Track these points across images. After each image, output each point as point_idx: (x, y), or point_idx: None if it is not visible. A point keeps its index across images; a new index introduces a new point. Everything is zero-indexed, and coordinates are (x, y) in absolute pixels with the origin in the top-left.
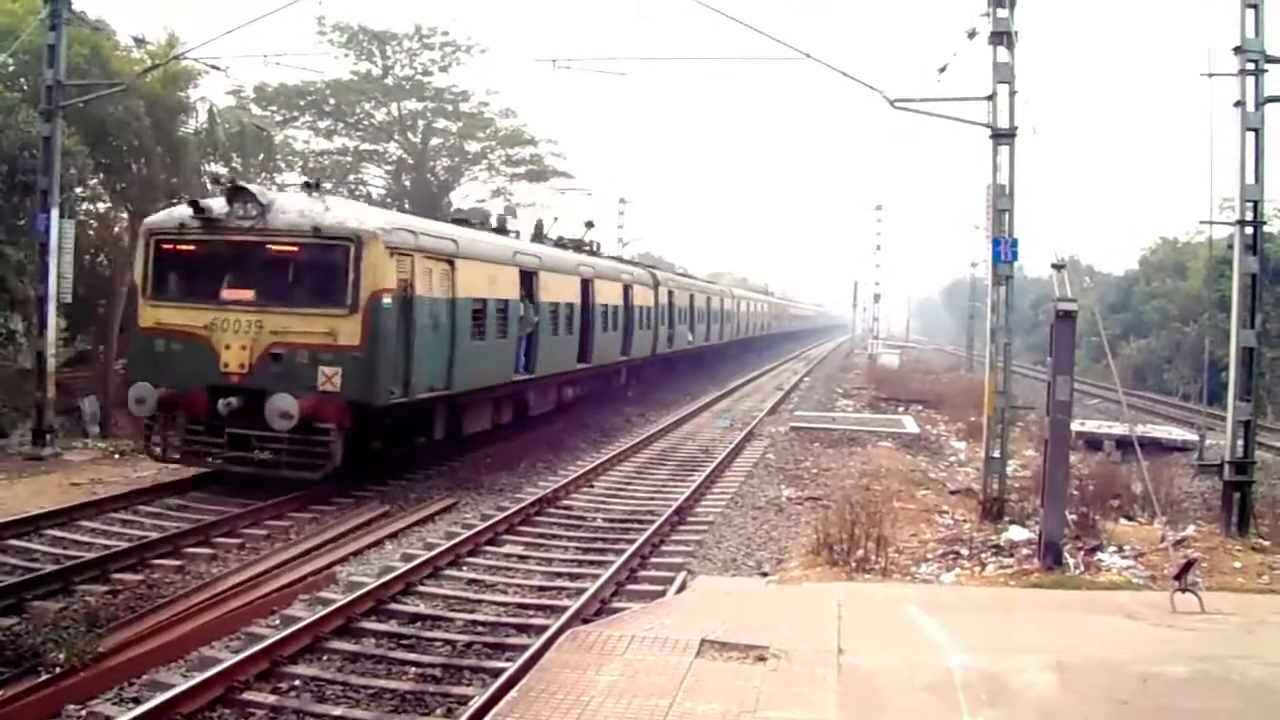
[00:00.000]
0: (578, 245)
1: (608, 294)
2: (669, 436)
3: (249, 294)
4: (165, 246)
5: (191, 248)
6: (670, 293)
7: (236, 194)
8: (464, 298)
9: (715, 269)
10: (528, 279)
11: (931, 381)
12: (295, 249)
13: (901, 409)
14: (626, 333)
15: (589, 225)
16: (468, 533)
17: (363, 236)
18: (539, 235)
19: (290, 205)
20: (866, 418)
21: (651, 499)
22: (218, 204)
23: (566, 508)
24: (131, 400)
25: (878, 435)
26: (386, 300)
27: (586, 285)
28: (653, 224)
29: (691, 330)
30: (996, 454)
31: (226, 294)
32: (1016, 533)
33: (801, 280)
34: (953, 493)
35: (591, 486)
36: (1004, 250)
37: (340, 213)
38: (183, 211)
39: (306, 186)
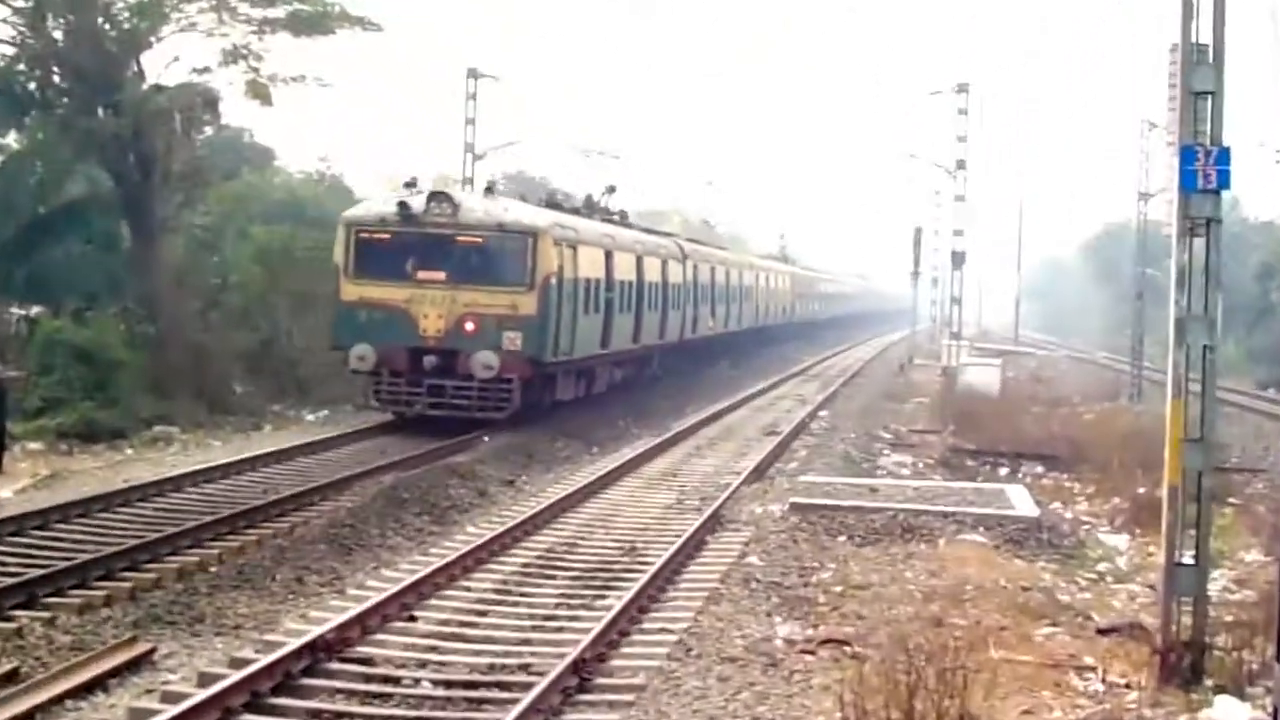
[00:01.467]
0: (605, 213)
1: (651, 270)
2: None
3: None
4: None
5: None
6: (696, 267)
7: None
8: (582, 278)
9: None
10: (609, 259)
11: (1063, 419)
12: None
13: (1005, 469)
14: (663, 314)
15: (611, 190)
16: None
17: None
18: (591, 207)
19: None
20: (937, 487)
21: (548, 637)
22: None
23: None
24: (354, 358)
25: (959, 521)
26: (553, 281)
27: (639, 261)
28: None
29: (713, 313)
30: (1189, 558)
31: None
32: (1229, 710)
33: (837, 248)
34: (1103, 631)
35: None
36: (1202, 169)
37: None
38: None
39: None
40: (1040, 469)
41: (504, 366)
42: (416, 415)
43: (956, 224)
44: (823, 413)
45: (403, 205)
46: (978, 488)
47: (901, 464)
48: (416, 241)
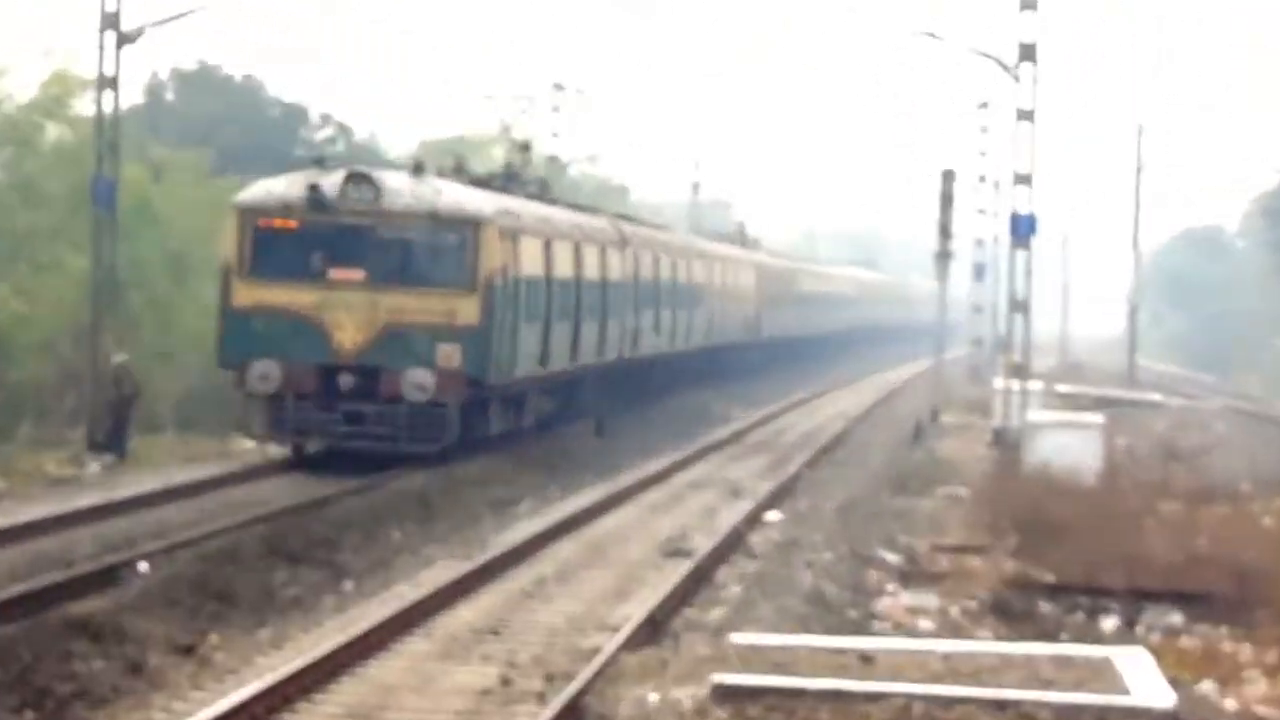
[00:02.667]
0: (526, 186)
1: (589, 262)
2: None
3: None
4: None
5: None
6: (638, 257)
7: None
8: (524, 276)
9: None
10: (548, 250)
11: (1221, 527)
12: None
13: (1112, 620)
14: (602, 324)
15: (525, 149)
16: None
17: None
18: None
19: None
20: (985, 654)
21: None
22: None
23: None
24: (254, 377)
25: None
26: (498, 282)
27: (578, 251)
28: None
29: (656, 324)
30: None
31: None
32: None
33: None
34: None
35: None
36: None
37: None
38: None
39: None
40: (1178, 618)
41: (440, 387)
42: (323, 449)
43: (1019, 162)
44: (773, 514)
45: (313, 188)
46: (1061, 654)
47: (920, 609)
48: (329, 233)
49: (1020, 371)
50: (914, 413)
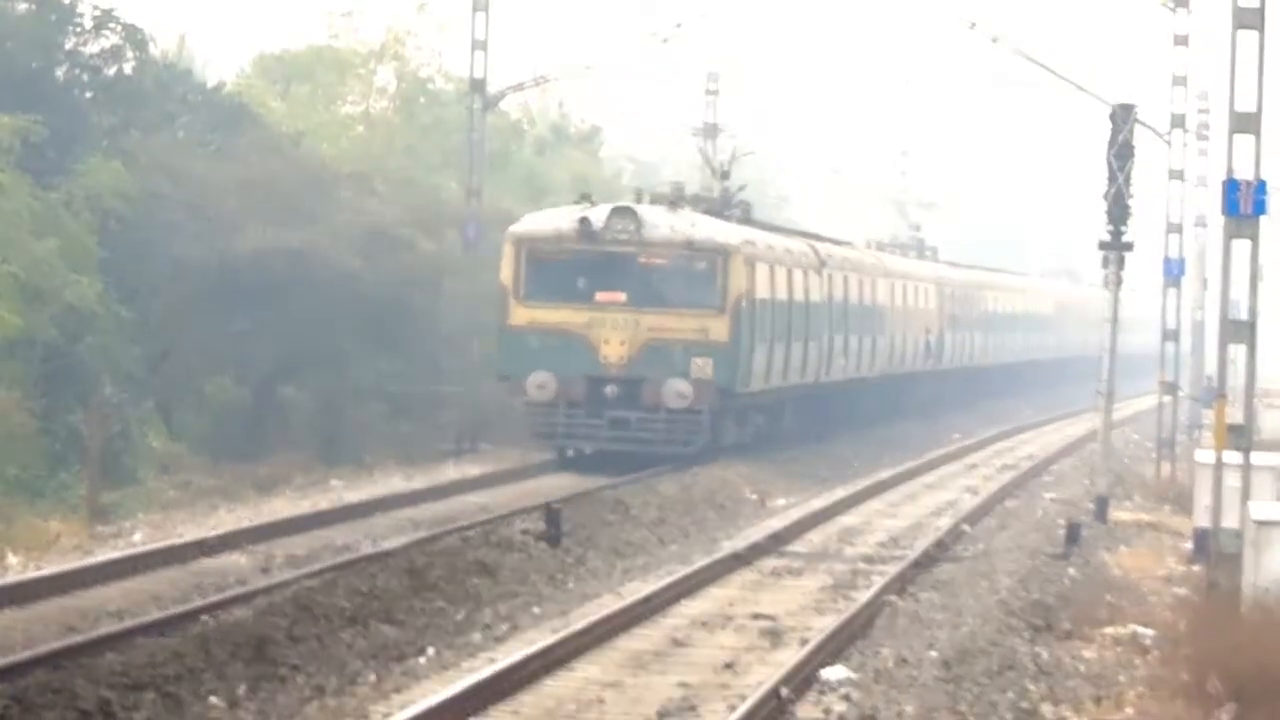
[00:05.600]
0: (741, 211)
1: (796, 285)
2: None
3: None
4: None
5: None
6: (831, 279)
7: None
8: (760, 298)
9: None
10: (772, 274)
11: None
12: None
13: None
14: (805, 344)
15: (725, 176)
16: None
17: None
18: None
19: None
20: None
21: None
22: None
23: None
24: (532, 386)
25: None
26: (744, 303)
27: (790, 276)
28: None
29: (846, 347)
30: None
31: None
32: None
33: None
34: None
35: None
36: None
37: None
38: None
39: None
40: None
41: (696, 396)
42: (589, 452)
43: (1239, 94)
44: (836, 671)
45: (584, 221)
46: None
47: None
48: (596, 261)
49: (1241, 437)
50: (1072, 501)
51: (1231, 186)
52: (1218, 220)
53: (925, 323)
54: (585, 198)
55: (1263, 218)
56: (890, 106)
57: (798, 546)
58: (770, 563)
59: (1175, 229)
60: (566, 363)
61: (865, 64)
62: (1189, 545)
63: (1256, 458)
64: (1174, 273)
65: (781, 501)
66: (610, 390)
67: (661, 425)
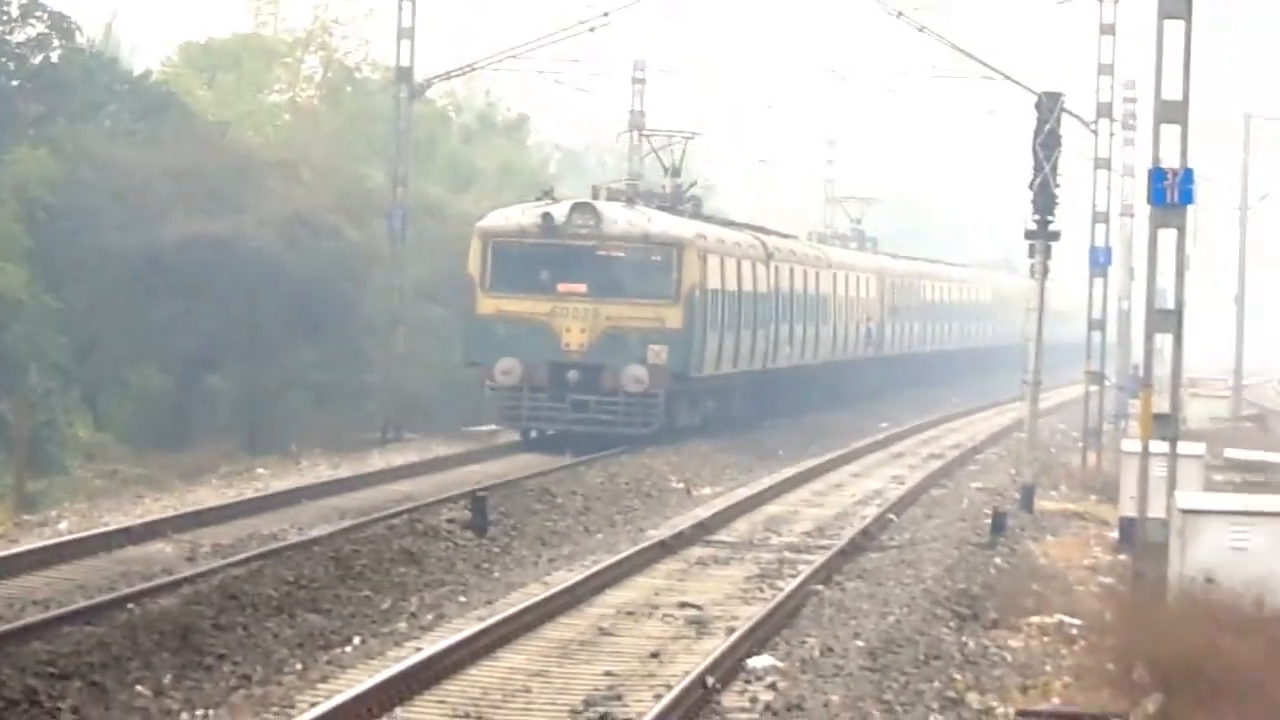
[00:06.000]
0: (693, 206)
1: (745, 276)
2: None
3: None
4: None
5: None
6: (777, 270)
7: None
8: (710, 289)
9: None
10: (723, 265)
11: None
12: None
13: None
14: (754, 332)
15: (676, 174)
16: None
17: None
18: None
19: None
20: None
21: None
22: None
23: None
24: (499, 372)
25: None
26: (697, 293)
27: (739, 267)
28: None
29: (790, 336)
30: None
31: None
32: None
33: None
34: None
35: None
36: None
37: None
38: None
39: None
40: None
41: (652, 380)
42: (552, 433)
43: (1164, 82)
44: (762, 659)
45: (546, 216)
46: None
47: None
48: (558, 253)
49: (1167, 427)
50: (998, 490)
51: (1158, 175)
52: (1144, 210)
53: (866, 312)
54: (547, 194)
55: (1189, 207)
56: (818, 95)
57: (724, 535)
58: (696, 552)
59: (1101, 218)
60: (531, 349)
61: (792, 52)
62: (1115, 534)
63: (1182, 447)
64: (1100, 262)
65: (708, 490)
66: (572, 375)
67: (620, 408)
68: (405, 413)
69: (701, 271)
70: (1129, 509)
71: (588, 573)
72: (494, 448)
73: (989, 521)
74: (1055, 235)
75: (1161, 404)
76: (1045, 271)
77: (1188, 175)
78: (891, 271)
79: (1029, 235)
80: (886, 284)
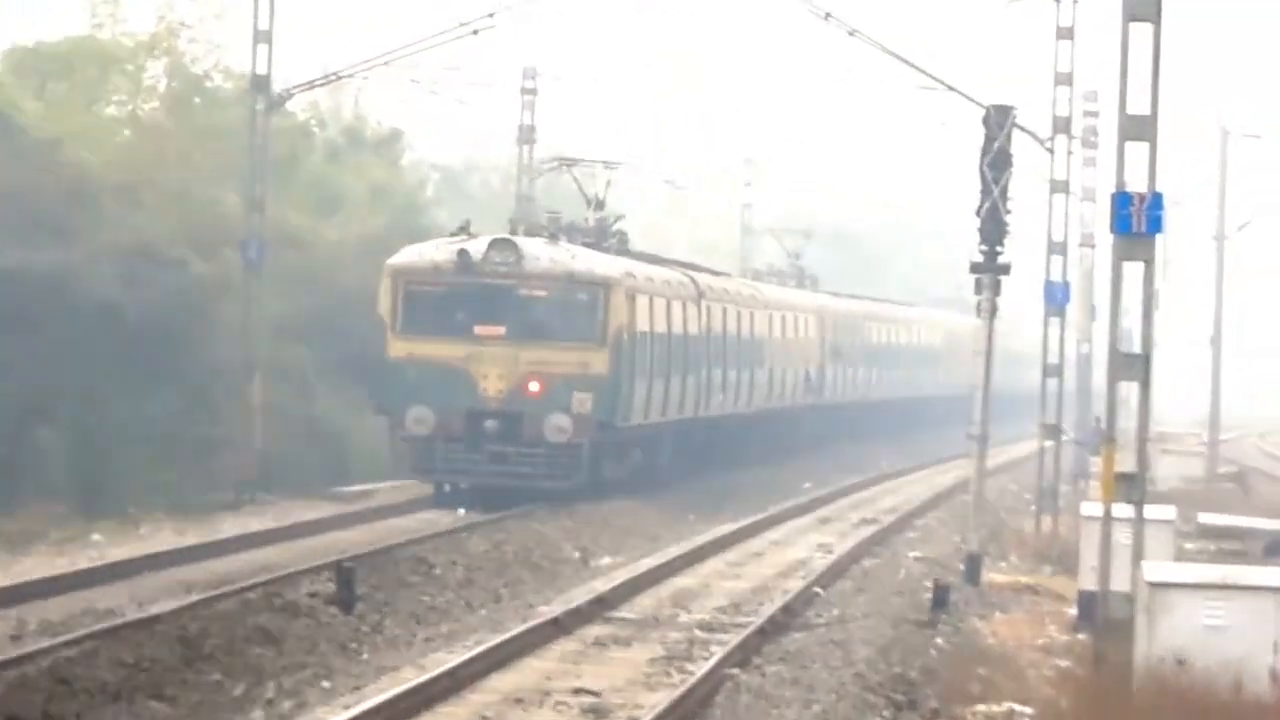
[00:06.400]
0: (619, 241)
1: (675, 316)
2: None
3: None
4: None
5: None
6: (709, 310)
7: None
8: (640, 331)
9: None
10: (652, 305)
11: None
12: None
13: None
14: (683, 378)
15: (600, 206)
16: None
17: None
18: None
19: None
20: None
21: None
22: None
23: None
24: (410, 420)
25: None
26: (624, 336)
27: (669, 307)
28: None
29: (724, 382)
30: None
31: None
32: None
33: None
34: None
35: None
36: None
37: None
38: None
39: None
40: None
41: (575, 430)
42: (467, 487)
43: (1129, 95)
44: None
45: (463, 253)
46: None
47: None
48: (475, 293)
49: (1133, 488)
50: (939, 560)
51: (1122, 200)
52: (1107, 239)
53: (805, 355)
54: (463, 229)
55: (1158, 236)
56: (735, 108)
57: (626, 612)
58: (594, 630)
59: (1058, 249)
60: (445, 396)
61: (705, 63)
62: (1073, 611)
63: (1150, 510)
64: (1057, 299)
65: (607, 560)
66: (490, 424)
67: (541, 460)
68: (263, 471)
69: (629, 313)
70: (1089, 582)
71: (470, 654)
72: (364, 511)
73: (929, 596)
74: (1005, 268)
75: (1126, 461)
76: (994, 310)
77: (1156, 200)
78: (833, 311)
79: (975, 268)
80: (827, 325)
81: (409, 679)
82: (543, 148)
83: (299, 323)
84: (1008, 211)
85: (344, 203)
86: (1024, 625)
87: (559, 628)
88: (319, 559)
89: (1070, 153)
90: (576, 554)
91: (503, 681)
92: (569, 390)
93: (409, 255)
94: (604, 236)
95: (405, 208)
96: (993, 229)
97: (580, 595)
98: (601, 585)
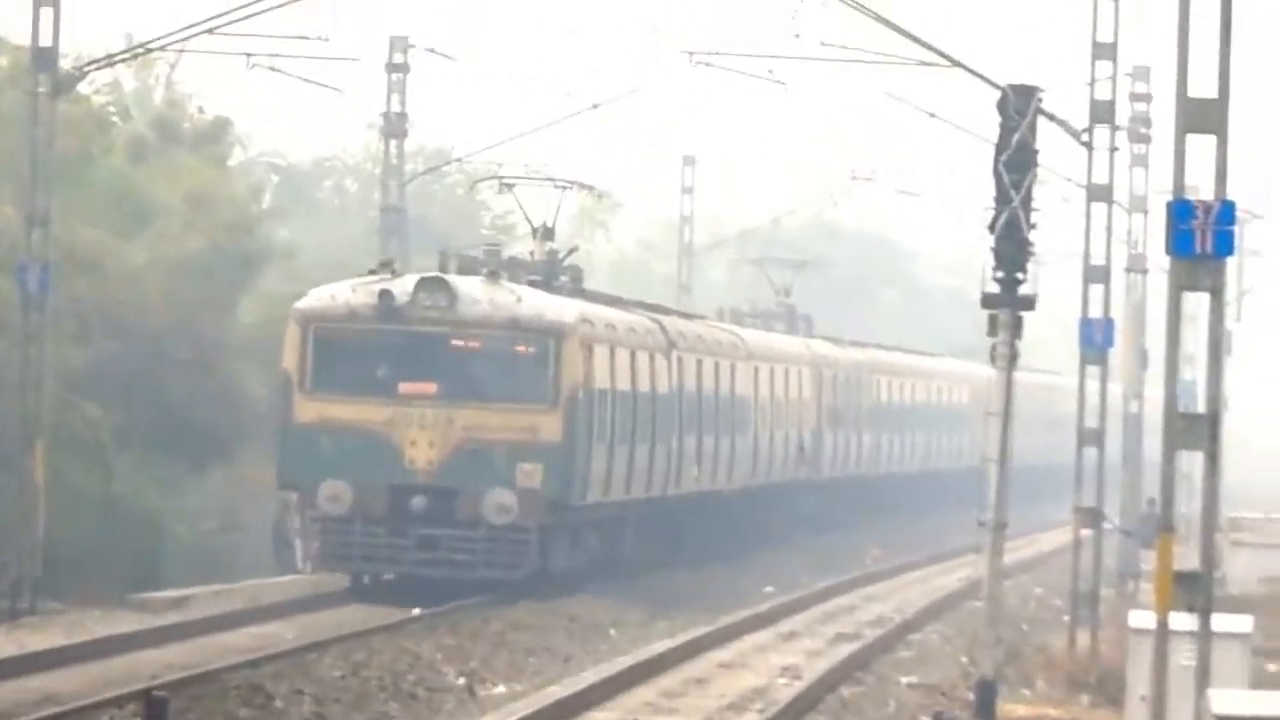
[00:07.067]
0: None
1: (641, 372)
2: None
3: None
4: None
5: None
6: (682, 362)
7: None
8: (598, 389)
9: None
10: (612, 358)
11: None
12: None
13: None
14: (651, 448)
15: (548, 235)
16: None
17: None
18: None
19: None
20: None
21: None
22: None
23: None
24: (323, 498)
25: None
26: (580, 395)
27: (633, 360)
28: None
29: (699, 453)
30: None
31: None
32: None
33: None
34: None
35: None
36: None
37: None
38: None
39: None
40: None
41: (522, 510)
42: (390, 577)
43: (1190, 80)
44: None
45: (385, 295)
46: None
47: None
48: (400, 343)
49: (1197, 592)
50: (941, 688)
51: (1182, 211)
52: (1162, 262)
53: (798, 418)
54: (386, 265)
55: (1229, 259)
56: (672, 92)
57: None
58: None
59: (1098, 276)
60: (365, 469)
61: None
62: None
63: (1219, 622)
64: (1096, 342)
65: (501, 689)
66: (418, 502)
67: (481, 545)
68: (48, 570)
69: (586, 367)
70: (1140, 716)
71: None
72: (182, 624)
73: None
74: (1029, 302)
75: (1188, 557)
76: (1013, 356)
77: (1227, 211)
78: (832, 362)
79: (988, 302)
80: (825, 379)
81: None
82: (415, 141)
83: (95, 374)
84: (1032, 226)
85: (153, 215)
86: None
87: None
88: (121, 686)
89: (1114, 148)
90: (460, 680)
91: None
92: (513, 461)
93: (320, 298)
94: (554, 273)
95: (234, 222)
96: (1011, 250)
97: None
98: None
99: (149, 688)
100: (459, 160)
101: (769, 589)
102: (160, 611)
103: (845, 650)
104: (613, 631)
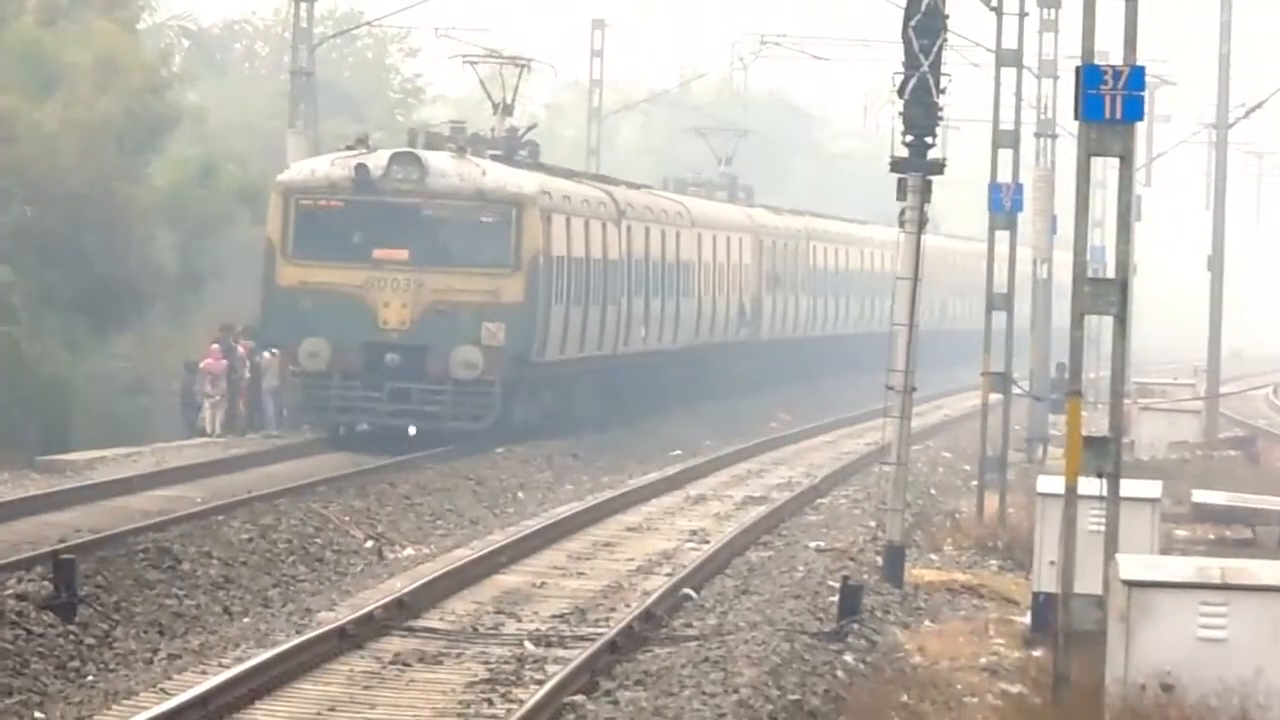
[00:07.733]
0: (530, 152)
1: (594, 239)
2: None
3: None
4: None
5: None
6: (631, 231)
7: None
8: (556, 256)
9: None
10: (568, 227)
11: None
12: None
13: None
14: (603, 309)
15: (508, 111)
16: None
17: None
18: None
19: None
20: None
21: None
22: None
23: None
24: (304, 354)
25: None
26: (540, 261)
27: (587, 229)
28: None
29: (645, 316)
30: None
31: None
32: None
33: None
34: None
35: None
36: None
37: None
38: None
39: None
40: None
41: (486, 366)
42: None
43: None
44: None
45: (360, 168)
46: None
47: None
48: (374, 213)
49: (1106, 456)
50: (850, 553)
51: (1091, 75)
52: (1071, 127)
53: (740, 283)
54: (361, 141)
55: (1138, 124)
56: None
57: (434, 620)
58: (393, 644)
59: (1008, 141)
60: (342, 328)
61: None
62: (1026, 619)
63: (1128, 487)
64: (1004, 206)
65: (410, 551)
66: (390, 359)
67: (448, 398)
68: None
69: (545, 235)
70: (1046, 581)
71: (227, 675)
72: (89, 487)
73: (835, 600)
74: (938, 166)
75: (1097, 422)
76: (922, 221)
77: (1137, 76)
78: (771, 230)
79: (896, 165)
80: (765, 246)
81: (148, 707)
82: (325, 4)
83: (4, 237)
84: (941, 91)
85: (63, 80)
86: (961, 638)
87: (346, 641)
88: (28, 549)
89: (1023, 13)
90: (369, 543)
91: (270, 711)
92: (478, 321)
93: (301, 171)
94: (514, 148)
95: (145, 85)
96: (921, 114)
97: (374, 598)
98: (403, 584)
99: (56, 550)
100: (369, 24)
101: (676, 452)
102: (68, 474)
103: (753, 514)
104: (520, 494)
